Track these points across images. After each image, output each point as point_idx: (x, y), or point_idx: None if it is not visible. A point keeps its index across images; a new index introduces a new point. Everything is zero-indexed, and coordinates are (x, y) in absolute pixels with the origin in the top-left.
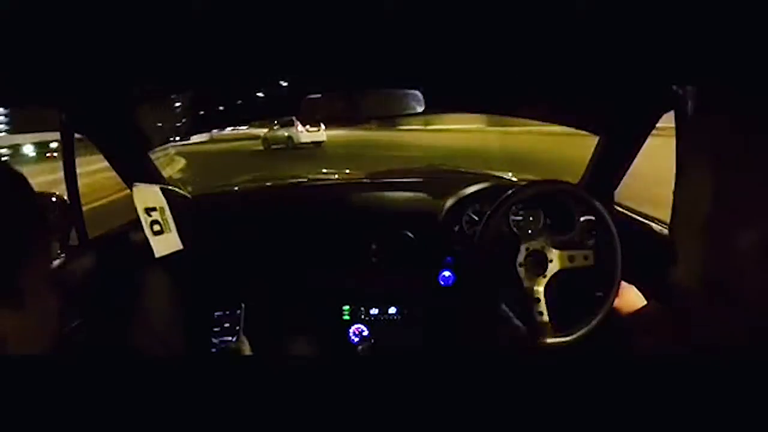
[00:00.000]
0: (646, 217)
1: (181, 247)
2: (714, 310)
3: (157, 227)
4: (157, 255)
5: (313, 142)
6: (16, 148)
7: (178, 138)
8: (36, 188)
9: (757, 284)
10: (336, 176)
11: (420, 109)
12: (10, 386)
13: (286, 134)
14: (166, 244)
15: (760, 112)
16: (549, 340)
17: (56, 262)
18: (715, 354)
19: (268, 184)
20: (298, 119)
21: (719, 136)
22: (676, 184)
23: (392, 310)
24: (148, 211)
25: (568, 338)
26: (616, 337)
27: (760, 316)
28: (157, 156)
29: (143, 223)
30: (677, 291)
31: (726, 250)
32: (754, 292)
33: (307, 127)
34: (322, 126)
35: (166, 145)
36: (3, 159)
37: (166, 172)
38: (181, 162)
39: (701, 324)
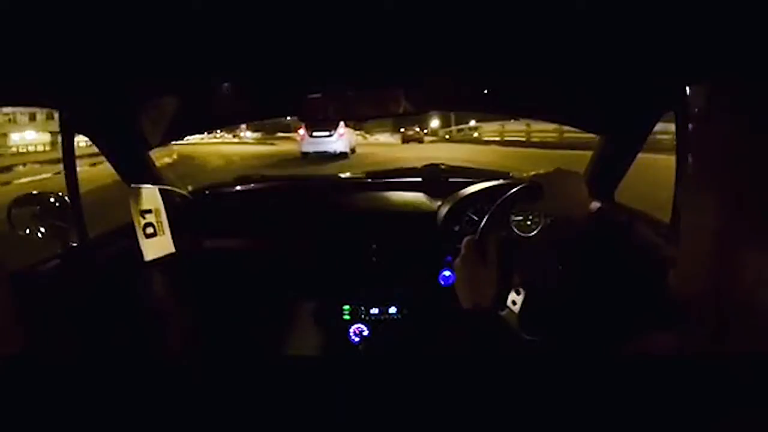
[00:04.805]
0: (646, 217)
1: (173, 250)
2: (724, 320)
3: (150, 230)
4: (147, 258)
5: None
6: None
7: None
8: None
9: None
10: (336, 175)
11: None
12: (9, 386)
13: None
14: (158, 247)
15: None
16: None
17: (57, 262)
18: (715, 358)
19: (265, 183)
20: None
21: (736, 135)
22: (678, 186)
23: (392, 310)
24: (143, 213)
25: (565, 338)
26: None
27: None
28: None
29: (136, 225)
30: (681, 298)
31: (741, 257)
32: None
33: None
34: (340, 127)
35: None
36: None
37: None
38: None
39: (707, 334)
